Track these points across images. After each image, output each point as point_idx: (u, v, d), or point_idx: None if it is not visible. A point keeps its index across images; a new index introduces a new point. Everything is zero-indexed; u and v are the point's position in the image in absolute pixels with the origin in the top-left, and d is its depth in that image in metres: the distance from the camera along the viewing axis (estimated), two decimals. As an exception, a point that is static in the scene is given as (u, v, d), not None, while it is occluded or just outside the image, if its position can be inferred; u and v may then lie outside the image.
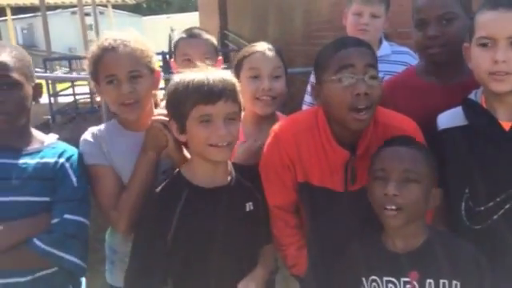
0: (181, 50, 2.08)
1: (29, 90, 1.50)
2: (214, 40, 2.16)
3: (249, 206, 1.52)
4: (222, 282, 1.48)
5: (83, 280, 1.65)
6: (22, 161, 1.47)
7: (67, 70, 11.69)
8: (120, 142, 1.63)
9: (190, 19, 21.96)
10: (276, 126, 1.60)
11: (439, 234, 1.42)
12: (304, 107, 2.58)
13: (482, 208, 1.42)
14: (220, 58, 2.19)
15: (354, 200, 1.50)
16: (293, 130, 1.56)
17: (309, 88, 2.53)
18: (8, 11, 16.15)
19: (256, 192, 1.57)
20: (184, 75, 1.46)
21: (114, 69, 1.55)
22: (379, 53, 2.17)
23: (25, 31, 29.52)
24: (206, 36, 2.13)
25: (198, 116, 1.40)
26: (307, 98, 2.57)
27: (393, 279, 1.37)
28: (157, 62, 1.71)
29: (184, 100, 1.41)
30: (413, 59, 2.28)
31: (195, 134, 1.41)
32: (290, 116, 1.71)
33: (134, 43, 1.59)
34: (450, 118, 1.52)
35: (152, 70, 1.64)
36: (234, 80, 1.47)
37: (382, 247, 1.42)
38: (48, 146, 1.55)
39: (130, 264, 1.49)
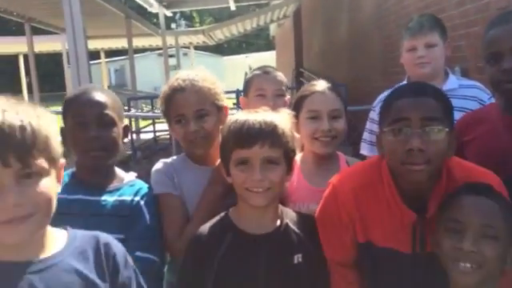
0: (255, 86, 2.09)
1: (120, 129, 1.57)
2: (284, 78, 2.16)
3: (297, 258, 1.39)
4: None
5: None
6: (102, 198, 1.51)
7: (150, 108, 12.41)
8: (188, 175, 1.66)
9: (268, 57, 22.59)
10: (335, 178, 1.46)
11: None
12: (362, 145, 2.45)
13: None
14: (288, 97, 2.15)
15: (422, 263, 1.33)
16: (352, 184, 1.40)
17: (368, 125, 2.41)
18: (102, 54, 17.72)
19: (308, 243, 1.42)
20: (233, 117, 1.42)
21: (182, 109, 1.61)
22: (445, 87, 2.01)
23: (117, 72, 32.14)
24: (279, 73, 2.14)
25: (235, 159, 1.36)
26: (366, 136, 2.44)
27: None
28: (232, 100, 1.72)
29: (225, 143, 1.39)
30: (483, 93, 2.09)
31: (234, 177, 1.37)
32: (351, 167, 1.60)
33: (202, 82, 1.63)
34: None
35: (219, 107, 1.67)
36: (277, 123, 1.37)
37: None
38: (127, 184, 1.59)
39: None
